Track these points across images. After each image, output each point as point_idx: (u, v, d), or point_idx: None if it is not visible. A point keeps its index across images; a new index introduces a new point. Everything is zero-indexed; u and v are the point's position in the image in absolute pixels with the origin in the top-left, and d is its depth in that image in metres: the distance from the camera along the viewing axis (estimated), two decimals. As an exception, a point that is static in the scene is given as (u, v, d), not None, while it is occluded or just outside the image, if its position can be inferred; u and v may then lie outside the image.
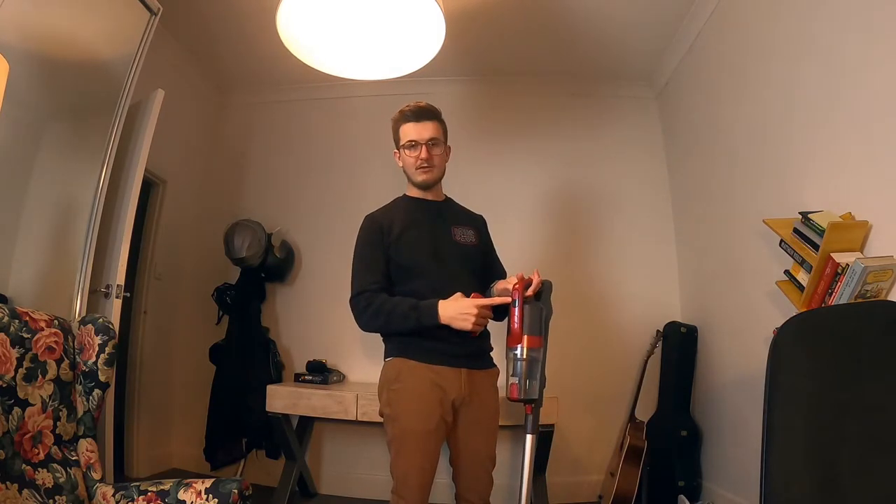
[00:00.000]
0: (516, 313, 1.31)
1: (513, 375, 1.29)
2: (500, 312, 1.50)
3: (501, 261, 1.79)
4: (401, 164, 1.64)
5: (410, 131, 1.56)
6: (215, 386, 2.97)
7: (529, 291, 1.36)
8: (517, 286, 1.34)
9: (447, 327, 1.43)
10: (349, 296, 1.51)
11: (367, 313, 1.46)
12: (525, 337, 1.29)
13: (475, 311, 1.39)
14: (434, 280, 1.50)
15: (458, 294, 1.44)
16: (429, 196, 1.64)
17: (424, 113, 1.57)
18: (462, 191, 1.88)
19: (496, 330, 1.55)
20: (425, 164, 1.57)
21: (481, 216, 1.79)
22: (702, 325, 2.71)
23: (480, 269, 1.64)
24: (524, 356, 1.28)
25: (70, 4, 2.03)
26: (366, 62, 2.31)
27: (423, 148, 1.56)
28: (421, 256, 1.53)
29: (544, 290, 1.40)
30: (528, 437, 1.30)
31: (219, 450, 2.87)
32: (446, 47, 2.24)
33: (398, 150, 1.62)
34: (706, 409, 2.62)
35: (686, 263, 2.97)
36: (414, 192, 1.65)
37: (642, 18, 2.70)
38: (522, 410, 1.33)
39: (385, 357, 1.54)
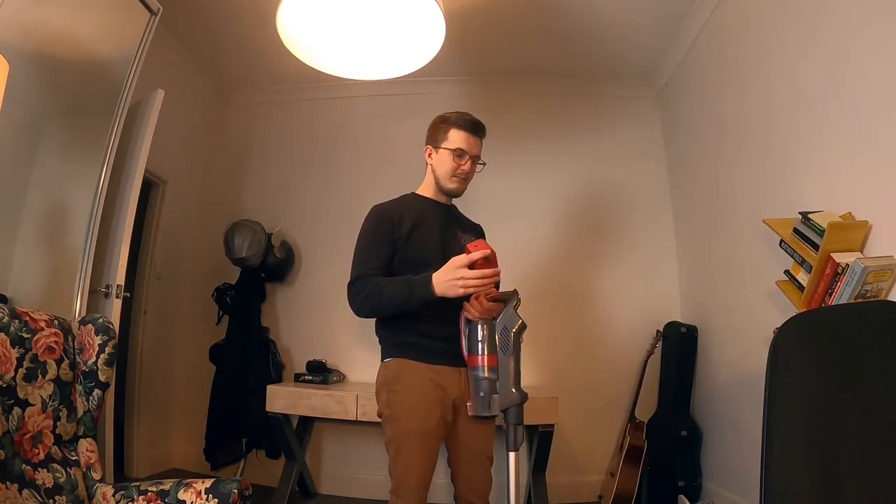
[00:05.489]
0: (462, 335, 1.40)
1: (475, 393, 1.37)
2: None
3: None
4: (430, 162, 1.63)
5: (463, 140, 1.56)
6: (215, 386, 2.97)
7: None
8: (466, 304, 1.39)
9: (447, 327, 1.43)
10: (349, 296, 1.49)
11: (360, 295, 1.43)
12: (468, 357, 1.38)
13: (459, 273, 1.34)
14: None
15: (450, 261, 1.39)
16: (440, 199, 1.65)
17: (480, 129, 1.60)
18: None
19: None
20: (463, 176, 1.59)
21: (479, 225, 1.79)
22: (702, 325, 2.71)
23: None
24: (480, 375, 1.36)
25: (70, 4, 2.03)
26: (366, 62, 2.31)
27: (470, 162, 1.58)
28: (431, 254, 1.52)
29: (508, 303, 1.37)
30: (511, 455, 1.28)
31: (219, 450, 2.86)
32: (446, 47, 2.24)
33: (434, 147, 1.61)
34: (706, 408, 2.62)
35: (686, 263, 2.97)
36: (426, 192, 1.65)
37: (642, 18, 2.70)
38: (522, 409, 1.33)
39: (383, 358, 1.52)
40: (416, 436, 1.39)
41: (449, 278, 1.35)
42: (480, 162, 1.62)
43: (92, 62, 2.16)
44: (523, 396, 1.29)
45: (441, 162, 1.59)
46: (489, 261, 1.33)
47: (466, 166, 1.58)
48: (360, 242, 1.54)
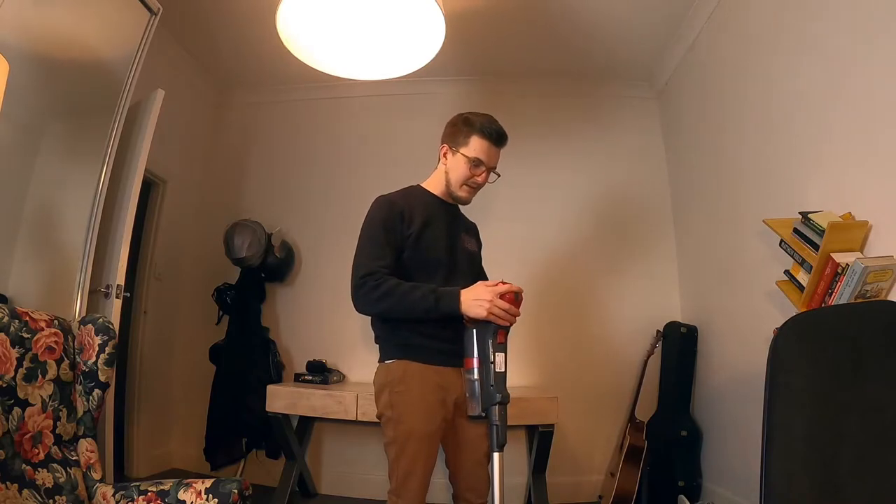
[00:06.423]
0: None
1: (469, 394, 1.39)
2: None
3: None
4: (445, 161, 1.56)
5: (483, 150, 1.50)
6: (215, 386, 2.97)
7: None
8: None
9: (450, 329, 1.42)
10: (349, 294, 1.43)
11: (375, 293, 1.36)
12: (464, 359, 1.39)
13: (489, 296, 1.32)
14: (448, 281, 1.47)
15: (480, 283, 1.39)
16: (447, 198, 1.60)
17: (504, 140, 1.53)
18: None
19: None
20: (475, 187, 1.55)
21: (475, 224, 1.78)
22: (702, 325, 2.71)
23: (479, 276, 1.65)
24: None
25: (70, 4, 2.03)
26: (366, 62, 2.31)
27: (485, 173, 1.53)
28: (440, 256, 1.50)
29: None
30: (495, 456, 1.27)
31: (219, 450, 2.86)
32: (446, 47, 2.24)
33: (451, 148, 1.54)
34: (706, 409, 2.62)
35: (686, 263, 2.97)
36: (434, 189, 1.60)
37: (642, 18, 2.70)
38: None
39: (383, 359, 1.49)
40: (419, 437, 1.39)
41: (478, 298, 1.33)
42: (495, 173, 1.57)
43: (92, 62, 2.16)
44: (505, 397, 1.29)
45: (455, 166, 1.53)
46: (517, 299, 1.35)
47: (481, 178, 1.52)
48: (368, 232, 1.46)
